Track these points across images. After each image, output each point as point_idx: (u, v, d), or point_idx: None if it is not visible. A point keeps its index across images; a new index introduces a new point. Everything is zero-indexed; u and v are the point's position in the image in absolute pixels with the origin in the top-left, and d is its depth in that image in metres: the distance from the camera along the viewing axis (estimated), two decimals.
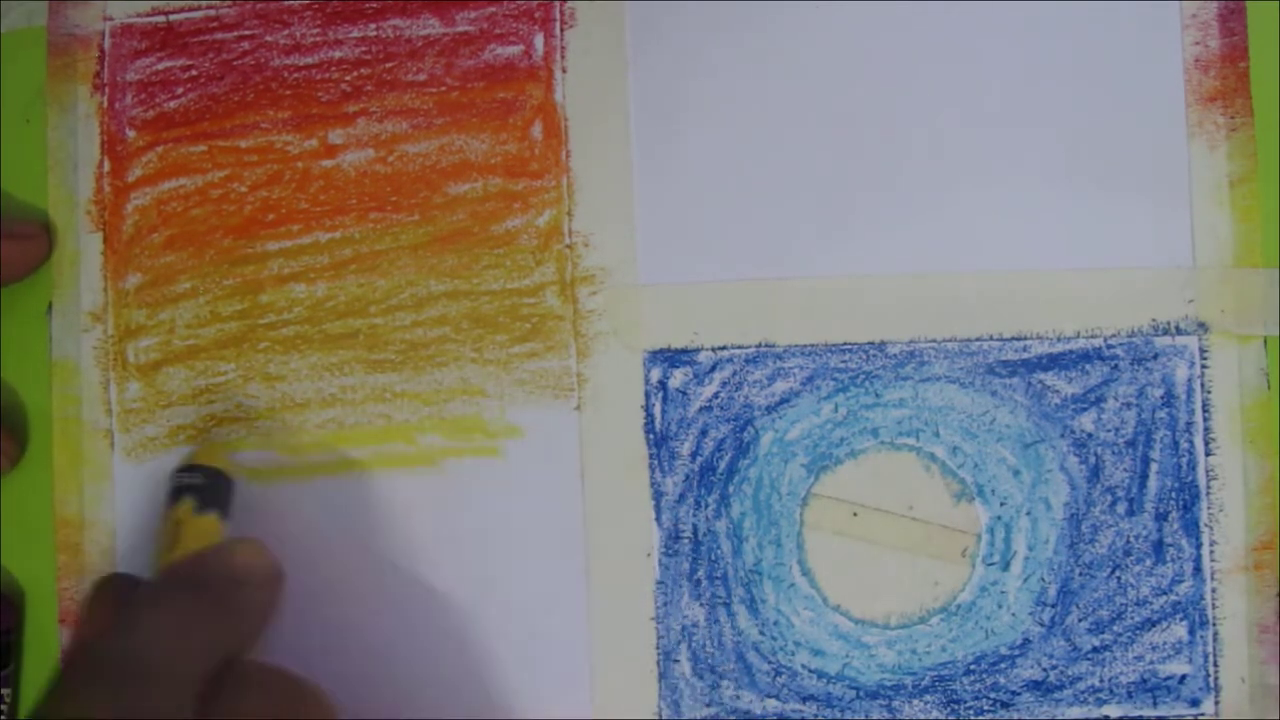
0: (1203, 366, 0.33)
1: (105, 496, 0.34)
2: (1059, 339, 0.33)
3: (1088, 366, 0.33)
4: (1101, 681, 0.33)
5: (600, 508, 0.34)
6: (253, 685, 0.28)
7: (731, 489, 0.34)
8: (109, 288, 0.35)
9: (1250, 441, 0.33)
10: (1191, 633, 0.33)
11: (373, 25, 0.35)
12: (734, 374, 0.34)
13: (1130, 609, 0.33)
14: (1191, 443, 0.33)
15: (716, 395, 0.34)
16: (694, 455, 0.34)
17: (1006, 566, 0.33)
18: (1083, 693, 0.33)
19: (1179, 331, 0.33)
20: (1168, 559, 0.33)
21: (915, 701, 0.33)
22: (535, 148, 0.34)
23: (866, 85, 0.34)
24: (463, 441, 0.34)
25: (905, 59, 0.34)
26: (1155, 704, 0.33)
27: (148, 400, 0.35)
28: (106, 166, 0.35)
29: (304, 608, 0.34)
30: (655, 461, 0.34)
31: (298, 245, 0.35)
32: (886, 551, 0.33)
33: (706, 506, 0.34)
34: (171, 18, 0.35)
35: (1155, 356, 0.33)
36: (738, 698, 0.33)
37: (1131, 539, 0.33)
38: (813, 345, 0.34)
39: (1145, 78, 0.33)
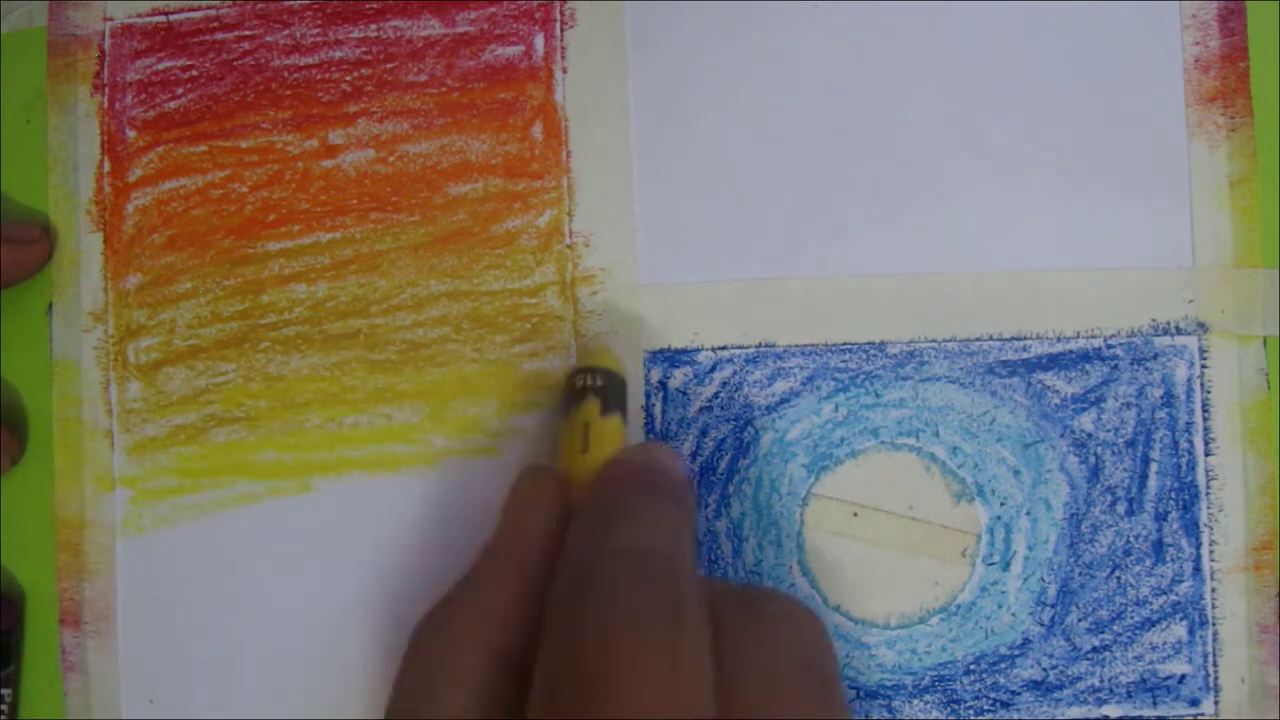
0: (1202, 366, 0.33)
1: (106, 497, 0.34)
2: (1059, 339, 0.33)
3: (1088, 366, 0.33)
4: (1101, 681, 0.33)
5: None
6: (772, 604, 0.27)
7: (731, 489, 0.34)
8: (109, 288, 0.35)
9: (1250, 441, 0.33)
10: (1191, 633, 0.33)
11: (373, 26, 0.35)
12: (734, 374, 0.34)
13: (1130, 609, 0.33)
14: (1191, 443, 0.33)
15: (716, 395, 0.34)
16: (694, 455, 0.34)
17: (1006, 566, 0.33)
18: (1083, 693, 0.33)
19: (1179, 331, 0.33)
20: (1167, 559, 0.33)
21: (915, 701, 0.33)
22: (535, 148, 0.34)
23: (866, 85, 0.34)
24: (463, 441, 0.34)
25: (905, 59, 0.34)
26: (1155, 704, 0.33)
27: (148, 400, 0.35)
28: (107, 167, 0.35)
29: (302, 607, 0.34)
30: None
31: (298, 245, 0.35)
32: (886, 551, 0.33)
33: (706, 506, 0.34)
34: (172, 18, 0.35)
35: (1155, 356, 0.33)
36: None
37: (1131, 539, 0.33)
38: (813, 345, 0.34)
39: (1145, 78, 0.33)
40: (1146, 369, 0.33)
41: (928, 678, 0.33)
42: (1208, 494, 0.33)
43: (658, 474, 0.29)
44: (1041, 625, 0.33)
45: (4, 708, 0.34)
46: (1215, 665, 0.33)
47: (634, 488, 0.28)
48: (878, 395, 0.34)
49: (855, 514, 0.33)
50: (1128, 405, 0.33)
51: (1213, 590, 0.33)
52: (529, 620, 0.26)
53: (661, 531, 0.27)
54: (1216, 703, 0.33)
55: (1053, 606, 0.33)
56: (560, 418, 0.32)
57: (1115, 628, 0.33)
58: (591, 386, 0.31)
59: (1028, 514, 0.33)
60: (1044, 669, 0.33)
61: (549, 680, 0.24)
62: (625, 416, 0.31)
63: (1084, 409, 0.33)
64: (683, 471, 0.30)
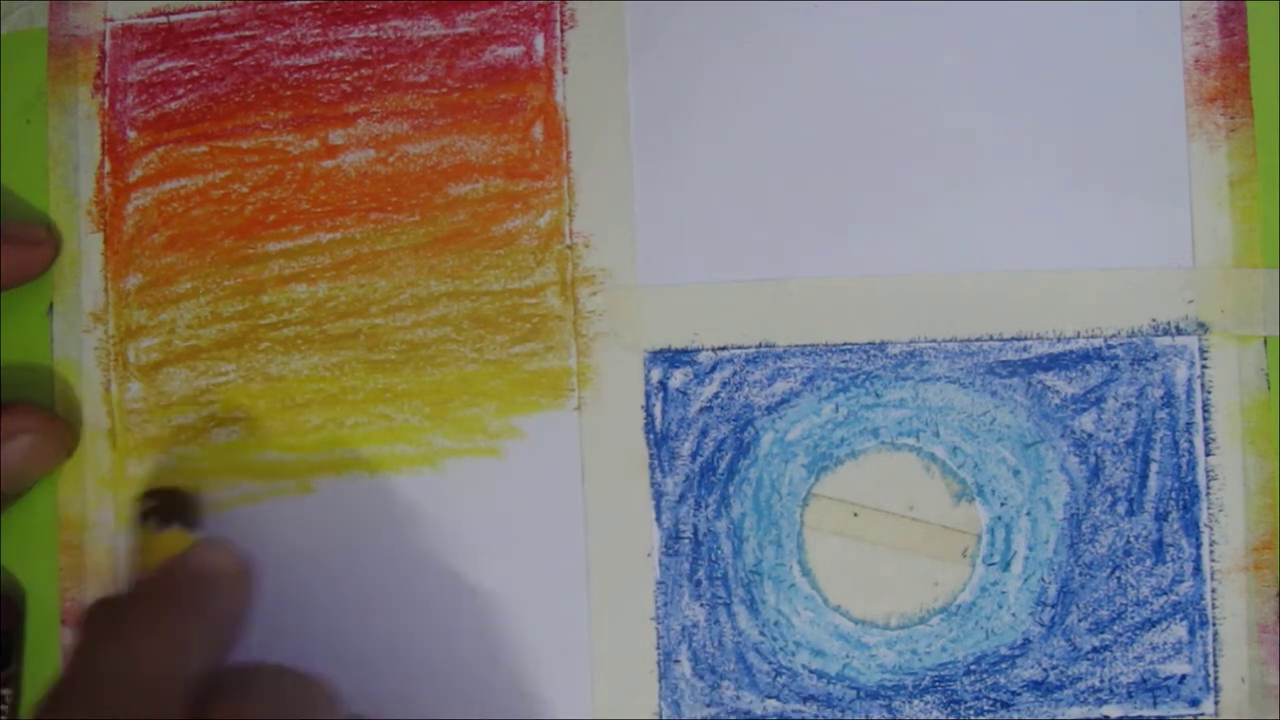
0: (1203, 367, 0.33)
1: (107, 497, 0.35)
2: (1059, 339, 0.33)
3: (1088, 367, 0.33)
4: (1101, 681, 0.33)
5: (600, 508, 0.34)
6: (254, 685, 0.28)
7: (732, 489, 0.34)
8: (110, 288, 0.35)
9: (1250, 441, 0.33)
10: (1191, 633, 0.33)
11: (373, 26, 0.35)
12: (734, 374, 0.34)
13: (1130, 609, 0.33)
14: (1191, 443, 0.33)
15: (717, 395, 0.34)
16: (694, 455, 0.34)
17: (1006, 567, 0.33)
18: (1083, 693, 0.33)
19: (1179, 331, 0.33)
20: (1168, 559, 0.33)
21: (915, 702, 0.33)
22: (536, 148, 0.34)
23: (866, 85, 0.34)
24: (463, 442, 0.34)
25: (905, 59, 0.34)
26: (1155, 704, 0.33)
27: (149, 400, 0.35)
28: (107, 167, 0.35)
29: (302, 607, 0.34)
30: (655, 462, 0.34)
31: (298, 246, 0.35)
32: (886, 552, 0.33)
33: (707, 507, 0.34)
34: (172, 19, 0.35)
35: (1155, 357, 0.33)
36: (738, 698, 0.33)
37: (1131, 539, 0.33)
38: (813, 345, 0.34)
39: (1145, 78, 0.33)
40: (1147, 369, 0.33)
41: (928, 678, 0.33)
42: (1208, 494, 0.33)
43: (175, 579, 0.31)
44: (1042, 625, 0.33)
45: (4, 708, 0.34)
46: (1215, 665, 0.33)
47: (139, 597, 0.30)
48: (878, 395, 0.34)
49: (855, 514, 0.33)
50: (1128, 405, 0.33)
51: (1213, 590, 0.33)
52: None
53: (144, 648, 0.28)
54: (1216, 703, 0.33)
55: (1053, 607, 0.33)
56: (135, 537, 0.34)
57: (1115, 628, 0.33)
58: (145, 511, 0.33)
59: (1028, 514, 0.33)
60: (1044, 669, 0.33)
61: None
62: (190, 525, 0.33)
63: (1084, 409, 0.33)
64: (225, 567, 0.32)
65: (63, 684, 0.28)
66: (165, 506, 0.33)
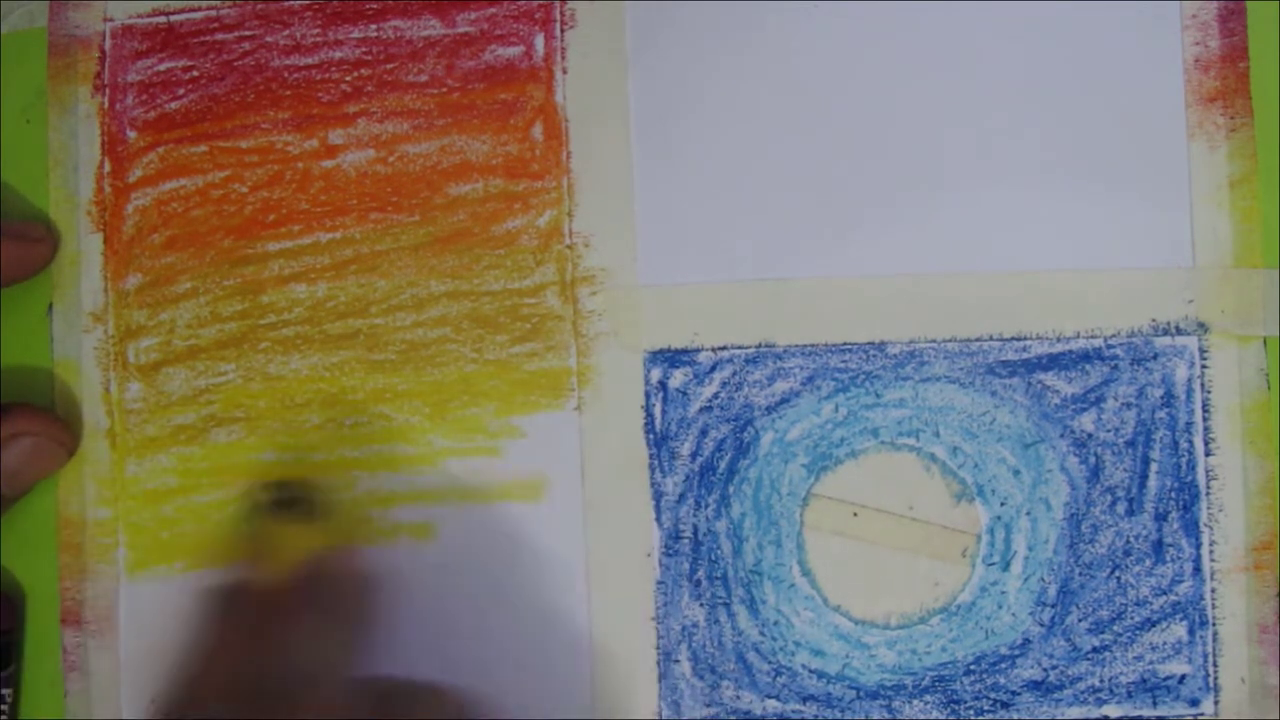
0: (1202, 367, 0.33)
1: (106, 497, 0.35)
2: (1059, 339, 0.33)
3: (1088, 367, 0.33)
4: (1101, 681, 0.33)
5: (600, 508, 0.34)
6: (420, 700, 0.30)
7: (731, 489, 0.34)
8: (110, 288, 0.35)
9: (1250, 441, 0.33)
10: (1191, 633, 0.33)
11: (373, 26, 0.35)
12: (734, 374, 0.34)
13: (1130, 609, 0.33)
14: (1191, 443, 0.33)
15: (717, 395, 0.34)
16: (694, 455, 0.34)
17: (1006, 567, 0.33)
18: (1083, 693, 0.33)
19: (1179, 332, 0.33)
20: (1167, 559, 0.33)
21: (915, 702, 0.33)
22: (536, 149, 0.34)
23: (866, 85, 0.34)
24: (463, 442, 0.34)
25: (905, 59, 0.34)
26: (1155, 704, 0.33)
27: (148, 400, 0.35)
28: (107, 167, 0.35)
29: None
30: (655, 462, 0.34)
31: (298, 246, 0.35)
32: (886, 552, 0.33)
33: (706, 507, 0.34)
34: (172, 19, 0.35)
35: (1155, 357, 0.33)
36: (738, 698, 0.33)
37: (1131, 539, 0.33)
38: (813, 345, 0.34)
39: (1145, 78, 0.33)
40: (1146, 369, 0.33)
41: (928, 678, 0.33)
42: (1208, 494, 0.33)
43: (319, 587, 0.32)
44: (1041, 625, 0.33)
45: (4, 708, 0.34)
46: (1215, 665, 0.33)
47: (289, 606, 0.31)
48: (878, 395, 0.34)
49: (855, 514, 0.33)
50: (1128, 405, 0.33)
51: (1213, 590, 0.33)
52: None
53: (303, 648, 0.30)
54: (1216, 703, 0.33)
55: (1053, 607, 0.33)
56: (247, 528, 0.34)
57: (1115, 628, 0.33)
58: (281, 500, 0.33)
59: (1028, 514, 0.33)
60: (1044, 669, 0.33)
61: None
62: (315, 520, 0.33)
63: (1084, 409, 0.33)
64: (354, 578, 0.33)
65: (201, 667, 0.29)
66: (298, 501, 0.33)
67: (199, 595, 0.31)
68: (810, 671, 0.33)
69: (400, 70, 0.35)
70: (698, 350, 0.34)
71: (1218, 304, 0.33)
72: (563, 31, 0.35)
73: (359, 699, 0.29)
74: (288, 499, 0.33)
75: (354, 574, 0.32)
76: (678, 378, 0.34)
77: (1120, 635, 0.33)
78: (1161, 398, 0.33)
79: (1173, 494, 0.33)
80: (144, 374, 0.35)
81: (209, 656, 0.30)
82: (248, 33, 0.35)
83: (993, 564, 0.33)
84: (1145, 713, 0.33)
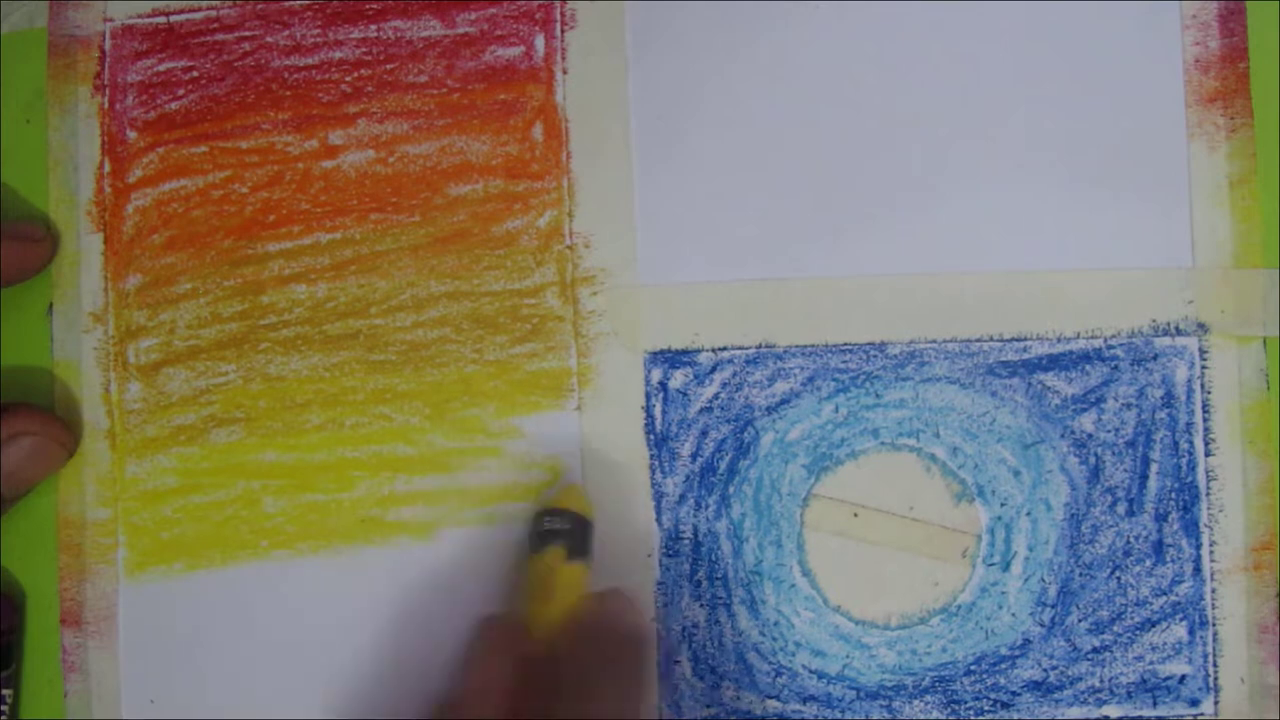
0: (1202, 367, 0.33)
1: (106, 497, 0.34)
2: (1059, 339, 0.33)
3: (1088, 367, 0.33)
4: (1101, 682, 0.33)
5: (600, 508, 0.34)
6: None
7: (732, 490, 0.34)
8: (110, 288, 0.35)
9: (1250, 442, 0.33)
10: (1191, 633, 0.33)
11: (373, 26, 0.35)
12: (734, 374, 0.34)
13: (1130, 609, 0.33)
14: (1191, 443, 0.33)
15: (717, 396, 0.34)
16: (694, 456, 0.34)
17: (1007, 567, 0.33)
18: (1083, 693, 0.33)
19: (1179, 332, 0.33)
20: (1167, 559, 0.33)
21: (915, 702, 0.33)
22: (536, 149, 0.34)
23: (866, 85, 0.34)
24: (463, 442, 0.34)
25: (905, 60, 0.34)
26: (1155, 704, 0.33)
27: (148, 401, 0.35)
28: (107, 167, 0.35)
29: (305, 607, 0.34)
30: (656, 462, 0.34)
31: (298, 246, 0.35)
32: (887, 552, 0.33)
33: (707, 507, 0.34)
34: (172, 19, 0.35)
35: (1155, 357, 0.33)
36: (738, 698, 0.33)
37: (1131, 539, 0.33)
38: (813, 346, 0.34)
39: (1145, 78, 0.33)
40: (1146, 369, 0.33)
41: (928, 678, 0.33)
42: (1208, 494, 0.33)
43: (609, 635, 0.30)
44: (1042, 626, 0.33)
45: (4, 708, 0.34)
46: (1215, 665, 0.33)
47: (586, 655, 0.30)
48: (878, 396, 0.34)
49: (855, 514, 0.33)
50: (1128, 406, 0.33)
51: (1213, 591, 0.33)
52: None
53: (601, 701, 0.28)
54: (1216, 703, 0.33)
55: (1053, 607, 0.33)
56: (525, 558, 0.32)
57: (1115, 628, 0.33)
58: (556, 531, 0.31)
59: (1028, 514, 0.33)
60: (1044, 669, 0.33)
61: None
62: (589, 561, 0.32)
63: (1084, 409, 0.33)
64: (639, 618, 0.32)
65: (469, 704, 0.28)
66: (575, 534, 0.31)
67: (479, 626, 0.30)
68: (810, 672, 0.33)
69: (400, 70, 0.35)
70: (698, 350, 0.34)
71: (1218, 304, 0.33)
72: (563, 31, 0.35)
73: None
74: (558, 530, 0.31)
75: (629, 621, 0.31)
76: (678, 378, 0.34)
77: (1120, 635, 0.33)
78: (1161, 398, 0.33)
79: (1173, 494, 0.33)
80: (144, 374, 0.35)
81: (478, 693, 0.29)
82: (248, 33, 0.35)
83: (993, 564, 0.33)
84: (1145, 713, 0.33)
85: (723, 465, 0.34)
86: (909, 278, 0.33)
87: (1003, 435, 0.33)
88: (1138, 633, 0.33)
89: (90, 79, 0.35)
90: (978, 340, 0.33)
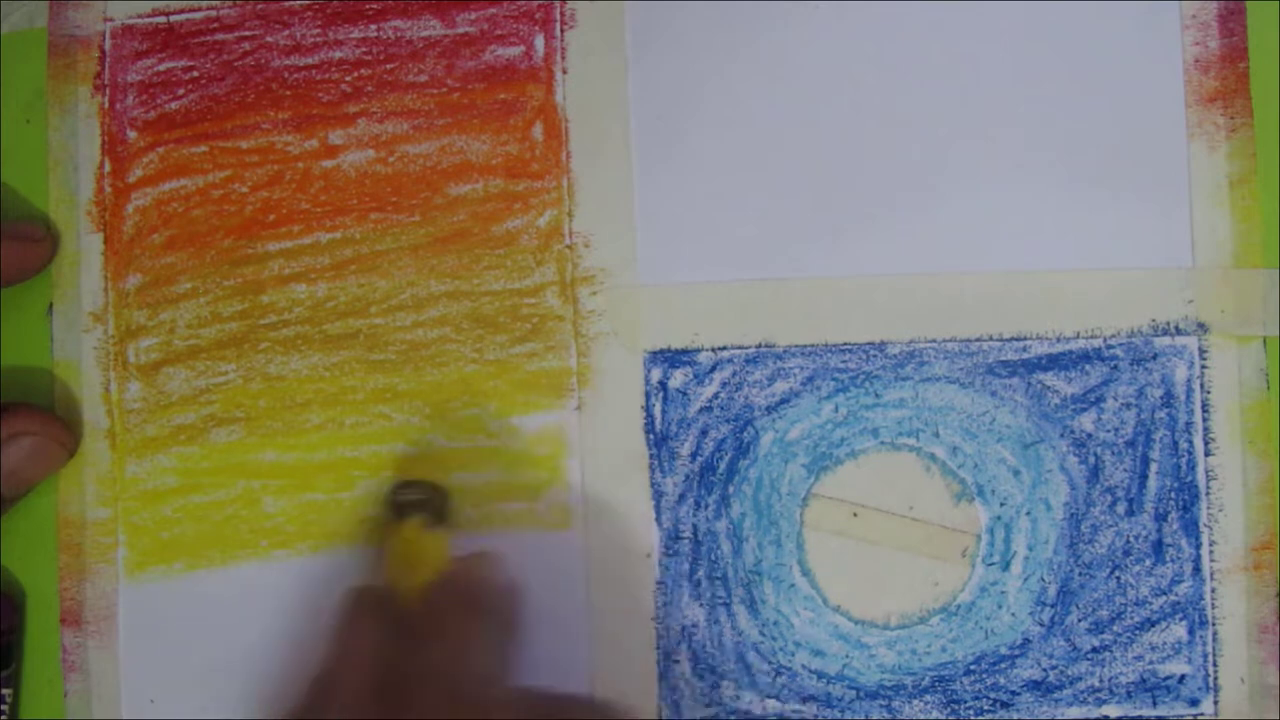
0: (1202, 367, 0.33)
1: (106, 497, 0.35)
2: (1059, 339, 0.33)
3: (1087, 367, 0.33)
4: (1101, 681, 0.33)
5: (600, 508, 0.34)
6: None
7: (731, 489, 0.34)
8: (110, 288, 0.35)
9: (1250, 442, 0.33)
10: (1191, 633, 0.33)
11: (373, 26, 0.35)
12: (734, 374, 0.34)
13: (1130, 609, 0.33)
14: (1191, 443, 0.33)
15: (716, 395, 0.34)
16: (694, 455, 0.34)
17: (1006, 567, 0.33)
18: (1082, 693, 0.33)
19: (1179, 332, 0.33)
20: (1167, 559, 0.33)
21: (915, 702, 0.33)
22: (536, 148, 0.34)
23: (866, 85, 0.34)
24: (463, 442, 0.34)
25: (905, 59, 0.34)
26: (1155, 704, 0.33)
27: (148, 400, 0.35)
28: (107, 167, 0.35)
29: (305, 607, 0.34)
30: (655, 462, 0.34)
31: (298, 246, 0.35)
32: (886, 552, 0.33)
33: (706, 507, 0.34)
34: (172, 19, 0.35)
35: (1155, 357, 0.33)
36: (738, 698, 0.33)
37: (1131, 539, 0.33)
38: (813, 345, 0.34)
39: (1145, 78, 0.33)
40: (1146, 369, 0.33)
41: (928, 678, 0.33)
42: (1207, 494, 0.33)
43: (476, 591, 0.31)
44: (1041, 625, 0.33)
45: (4, 708, 0.34)
46: (1215, 665, 0.33)
47: (454, 609, 0.30)
48: (878, 395, 0.34)
49: (855, 514, 0.33)
50: (1128, 405, 0.33)
51: (1212, 590, 0.33)
52: None
53: (473, 651, 0.29)
54: (1216, 703, 0.33)
55: (1053, 607, 0.33)
56: (383, 531, 0.33)
57: (1115, 628, 0.33)
58: (413, 501, 0.32)
59: (1028, 514, 0.33)
60: (1044, 669, 0.33)
61: None
62: (450, 528, 0.32)
63: (1084, 409, 0.33)
64: (502, 581, 0.32)
65: (338, 673, 0.28)
66: (431, 503, 0.32)
67: (343, 597, 0.31)
68: (810, 671, 0.33)
69: (400, 70, 0.35)
70: (698, 350, 0.34)
71: (1218, 304, 0.33)
72: (563, 31, 0.35)
73: (521, 708, 0.28)
74: (415, 501, 0.32)
75: (494, 577, 0.31)
76: (678, 378, 0.34)
77: (1120, 635, 0.33)
78: (1161, 398, 0.33)
79: (1172, 494, 0.33)
80: (144, 374, 0.35)
81: (345, 659, 0.29)
82: (248, 33, 0.35)
83: (993, 564, 0.33)
84: (1145, 713, 0.33)
85: (722, 465, 0.34)
86: (909, 278, 0.33)
87: (1002, 435, 0.33)
88: (1137, 632, 0.33)
89: (90, 79, 0.35)
90: (977, 340, 0.33)
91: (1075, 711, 0.33)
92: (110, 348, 0.35)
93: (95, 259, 0.35)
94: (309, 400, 0.34)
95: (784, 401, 0.34)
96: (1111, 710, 0.33)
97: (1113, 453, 0.33)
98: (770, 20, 0.34)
